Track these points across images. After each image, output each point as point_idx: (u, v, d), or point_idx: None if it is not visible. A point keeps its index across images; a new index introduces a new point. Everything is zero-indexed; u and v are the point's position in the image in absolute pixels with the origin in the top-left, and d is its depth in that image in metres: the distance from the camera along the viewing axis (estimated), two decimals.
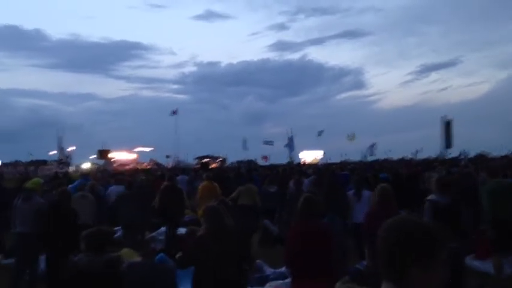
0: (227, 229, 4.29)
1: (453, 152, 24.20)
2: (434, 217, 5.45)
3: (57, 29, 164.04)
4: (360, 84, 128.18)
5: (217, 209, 4.44)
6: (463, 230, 5.66)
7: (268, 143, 28.52)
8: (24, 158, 43.04)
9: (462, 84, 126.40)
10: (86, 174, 16.82)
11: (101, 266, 3.80)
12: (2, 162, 48.54)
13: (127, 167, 41.39)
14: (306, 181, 10.96)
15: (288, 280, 6.26)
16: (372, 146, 22.53)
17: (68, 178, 14.21)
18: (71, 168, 26.85)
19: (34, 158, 43.66)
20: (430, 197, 5.70)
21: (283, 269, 6.93)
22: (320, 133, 27.80)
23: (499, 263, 6.67)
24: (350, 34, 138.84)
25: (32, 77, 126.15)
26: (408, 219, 1.54)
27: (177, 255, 4.67)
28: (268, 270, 7.00)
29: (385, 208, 5.18)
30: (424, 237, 1.46)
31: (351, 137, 24.51)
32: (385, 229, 1.53)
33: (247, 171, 15.67)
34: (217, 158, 50.85)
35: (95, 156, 40.65)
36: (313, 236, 4.34)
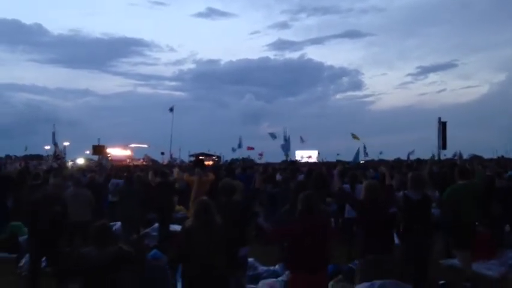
0: (216, 223, 4.34)
1: (447, 154, 24.29)
2: (407, 211, 5.73)
3: (57, 24, 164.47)
4: (358, 85, 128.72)
5: (207, 203, 4.46)
6: (432, 225, 5.94)
7: (273, 135, 28.56)
8: (20, 153, 42.87)
9: (459, 87, 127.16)
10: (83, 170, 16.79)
11: (109, 258, 4.01)
12: None
13: (122, 163, 41.26)
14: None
15: (281, 278, 6.27)
16: (364, 147, 22.57)
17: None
18: (69, 163, 26.69)
19: (29, 153, 43.53)
20: (406, 192, 5.92)
21: (277, 267, 6.93)
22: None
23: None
24: (350, 34, 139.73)
25: (30, 72, 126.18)
26: None
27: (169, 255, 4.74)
28: (261, 268, 6.99)
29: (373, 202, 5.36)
30: None
31: (355, 137, 24.65)
32: None
33: (242, 169, 15.59)
34: (212, 155, 50.81)
35: (88, 152, 40.47)
36: (315, 231, 4.44)
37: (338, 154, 39.64)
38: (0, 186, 9.83)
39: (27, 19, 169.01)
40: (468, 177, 6.99)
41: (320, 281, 4.50)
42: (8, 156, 43.25)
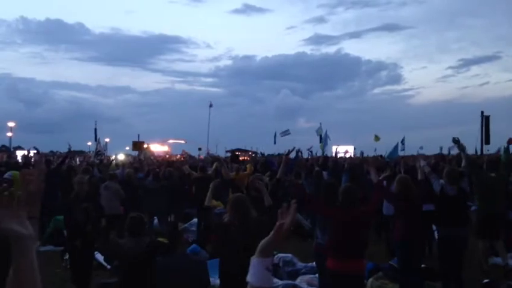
0: (250, 219, 4.34)
1: (491, 149, 23.47)
2: (444, 205, 5.77)
3: (98, 22, 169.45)
4: (396, 79, 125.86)
5: (243, 198, 4.47)
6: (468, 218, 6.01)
7: (285, 132, 28.14)
8: (64, 149, 44.37)
9: (503, 79, 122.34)
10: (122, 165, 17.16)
11: (144, 249, 4.15)
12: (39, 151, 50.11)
13: (160, 159, 41.97)
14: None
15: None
16: (402, 140, 22.29)
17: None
18: (112, 159, 27.37)
19: (71, 149, 44.98)
20: (443, 185, 5.87)
21: (314, 263, 6.90)
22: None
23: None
24: (389, 27, 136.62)
25: (72, 70, 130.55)
26: None
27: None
28: (300, 265, 6.98)
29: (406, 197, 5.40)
30: None
31: (376, 138, 24.51)
32: None
33: (279, 164, 15.62)
34: (248, 151, 50.96)
35: (128, 148, 41.40)
36: (356, 222, 4.56)
37: (375, 149, 38.90)
38: (50, 181, 10.18)
39: (70, 18, 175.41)
40: (497, 169, 6.92)
41: (357, 265, 4.59)
42: (52, 152, 44.83)
